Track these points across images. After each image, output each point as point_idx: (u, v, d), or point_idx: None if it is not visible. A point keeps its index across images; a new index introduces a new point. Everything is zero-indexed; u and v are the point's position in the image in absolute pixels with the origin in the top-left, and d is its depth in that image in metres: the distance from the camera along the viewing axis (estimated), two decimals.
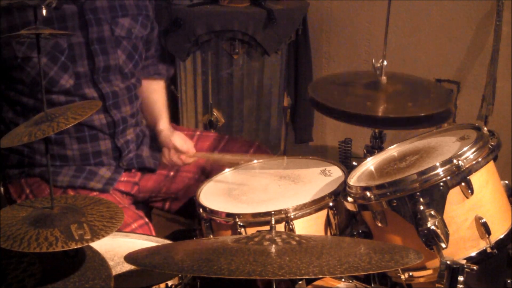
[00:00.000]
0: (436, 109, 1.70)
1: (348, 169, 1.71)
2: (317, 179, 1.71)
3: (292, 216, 1.51)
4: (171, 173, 1.97)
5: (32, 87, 1.71)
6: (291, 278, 1.18)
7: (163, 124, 1.99)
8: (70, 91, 1.73)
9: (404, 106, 1.73)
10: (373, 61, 1.76)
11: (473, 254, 1.40)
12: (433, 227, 1.34)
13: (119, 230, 1.60)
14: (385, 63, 1.75)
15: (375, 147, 1.82)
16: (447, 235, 1.35)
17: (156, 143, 2.00)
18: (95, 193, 1.78)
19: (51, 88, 1.71)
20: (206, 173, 1.97)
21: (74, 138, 1.77)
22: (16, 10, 1.64)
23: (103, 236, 0.99)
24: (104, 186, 1.79)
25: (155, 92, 2.06)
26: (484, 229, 1.38)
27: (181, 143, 1.92)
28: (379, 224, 1.44)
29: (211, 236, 1.59)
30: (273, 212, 1.50)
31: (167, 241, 1.49)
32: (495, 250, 1.40)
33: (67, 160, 1.78)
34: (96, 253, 1.10)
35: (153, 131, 2.01)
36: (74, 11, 1.71)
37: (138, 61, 1.88)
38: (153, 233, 1.71)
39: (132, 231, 1.65)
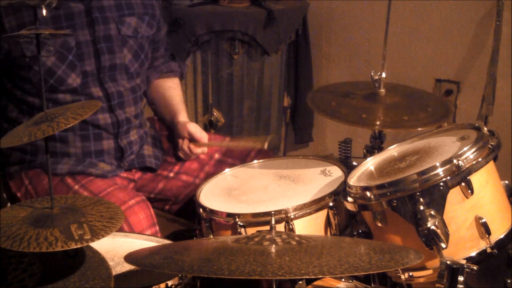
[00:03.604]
0: (432, 123, 1.71)
1: (348, 169, 1.71)
2: (317, 179, 1.71)
3: (292, 216, 1.51)
4: (171, 174, 1.97)
5: (39, 86, 1.71)
6: (291, 278, 1.18)
7: (182, 117, 1.99)
8: (76, 90, 1.74)
9: (401, 119, 1.73)
10: (372, 73, 1.76)
11: (473, 254, 1.40)
12: (433, 227, 1.34)
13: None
14: (383, 75, 1.75)
15: (375, 147, 1.82)
16: (447, 235, 1.35)
17: (159, 143, 2.00)
18: (91, 178, 1.77)
19: (59, 87, 1.71)
20: (206, 174, 1.97)
21: (78, 136, 1.77)
22: (24, 9, 1.65)
23: (103, 236, 0.99)
24: (103, 173, 1.79)
25: (171, 88, 2.06)
26: (484, 229, 1.38)
27: (196, 130, 1.92)
28: (379, 224, 1.44)
29: (211, 236, 1.59)
30: (273, 212, 1.50)
31: (167, 241, 1.49)
32: (495, 250, 1.40)
33: (68, 156, 1.79)
34: (96, 253, 1.10)
35: (171, 126, 2.01)
36: (81, 9, 1.72)
37: (144, 60, 1.88)
38: (152, 211, 1.70)
39: (129, 208, 1.64)
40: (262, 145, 1.86)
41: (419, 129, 1.70)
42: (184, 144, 1.93)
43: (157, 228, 1.69)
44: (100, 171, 1.79)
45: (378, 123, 1.75)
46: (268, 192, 1.68)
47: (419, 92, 2.01)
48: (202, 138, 1.92)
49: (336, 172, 1.73)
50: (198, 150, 1.93)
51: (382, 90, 1.77)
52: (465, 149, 1.40)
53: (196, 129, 1.92)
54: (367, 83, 1.85)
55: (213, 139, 2.05)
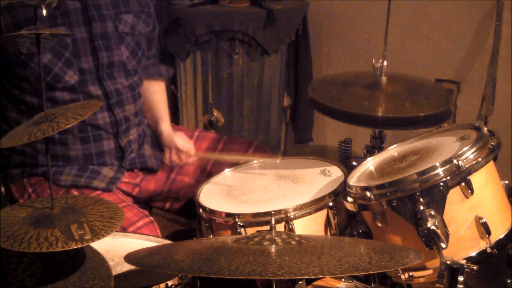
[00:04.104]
0: (434, 109, 1.71)
1: (348, 169, 1.71)
2: (317, 179, 1.71)
3: (292, 216, 1.51)
4: (172, 175, 1.98)
5: (36, 84, 1.71)
6: (291, 278, 1.18)
7: (165, 125, 2.00)
8: (74, 88, 1.74)
9: (403, 106, 1.73)
10: (373, 61, 1.76)
11: (473, 254, 1.40)
12: (433, 227, 1.34)
13: (125, 229, 1.61)
14: (385, 63, 1.74)
15: (375, 147, 1.82)
16: (447, 235, 1.35)
17: (157, 143, 2.01)
18: (98, 192, 1.78)
19: (56, 84, 1.71)
20: (207, 174, 1.97)
21: (77, 138, 1.77)
22: (20, 7, 1.65)
23: (103, 236, 0.99)
24: (107, 185, 1.80)
25: (157, 93, 2.07)
26: (484, 229, 1.38)
27: (183, 143, 1.94)
28: (379, 224, 1.44)
29: (211, 236, 1.59)
30: (273, 212, 1.50)
31: (167, 241, 1.49)
32: (495, 250, 1.40)
33: (70, 160, 1.79)
34: (96, 253, 1.10)
35: (154, 131, 2.02)
36: (78, 7, 1.72)
37: (141, 58, 1.89)
38: (159, 232, 1.71)
39: (138, 229, 1.65)
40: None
41: (420, 129, 1.70)
42: (173, 155, 1.94)
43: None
44: (104, 184, 1.79)
45: (380, 109, 1.74)
46: (268, 192, 1.68)
47: (419, 80, 2.01)
48: (190, 150, 1.94)
49: (336, 172, 1.73)
50: (188, 160, 1.94)
51: (384, 78, 1.76)
52: (465, 149, 1.40)
53: (182, 142, 1.94)
54: (367, 72, 1.85)
55: (211, 141, 2.05)
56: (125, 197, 1.86)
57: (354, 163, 1.71)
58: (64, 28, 1.70)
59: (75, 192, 1.76)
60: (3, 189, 1.92)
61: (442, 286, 1.28)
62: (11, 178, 1.83)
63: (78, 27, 1.72)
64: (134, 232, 1.62)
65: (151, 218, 1.73)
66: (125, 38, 1.81)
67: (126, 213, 1.69)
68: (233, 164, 1.89)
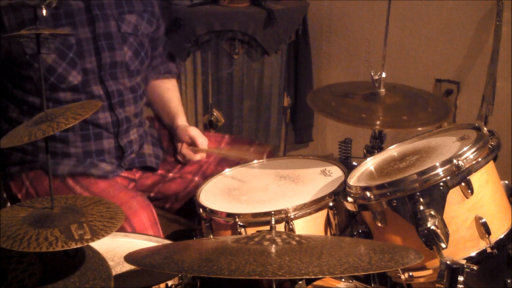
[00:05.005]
0: (432, 123, 1.71)
1: (348, 169, 1.71)
2: (317, 179, 1.71)
3: (292, 216, 1.51)
4: (170, 175, 1.98)
5: (40, 84, 1.72)
6: (291, 278, 1.18)
7: (182, 120, 2.01)
8: (77, 88, 1.74)
9: (400, 120, 1.73)
10: (372, 73, 1.76)
11: (473, 254, 1.40)
12: (433, 227, 1.34)
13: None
14: (383, 75, 1.74)
15: (375, 147, 1.82)
16: (447, 235, 1.35)
17: (159, 142, 2.01)
18: (92, 179, 1.77)
19: (59, 85, 1.72)
20: (206, 175, 1.97)
21: (78, 136, 1.78)
22: (22, 7, 1.66)
23: (103, 236, 0.99)
24: (104, 173, 1.80)
25: (169, 90, 2.07)
26: (484, 229, 1.38)
27: (197, 134, 1.93)
28: (379, 224, 1.44)
29: (211, 236, 1.59)
30: (273, 212, 1.50)
31: (167, 241, 1.49)
32: (495, 250, 1.40)
33: (69, 156, 1.79)
34: (96, 253, 1.10)
35: (169, 128, 2.02)
36: (81, 6, 1.73)
37: (144, 58, 1.89)
38: (153, 210, 1.70)
39: (131, 208, 1.64)
40: (261, 157, 1.86)
41: (419, 129, 1.70)
42: (184, 148, 1.94)
43: (159, 227, 1.70)
44: (101, 172, 1.79)
45: (378, 123, 1.75)
46: (268, 192, 1.68)
47: (419, 92, 2.01)
48: (203, 143, 1.94)
49: (336, 172, 1.73)
50: (197, 156, 1.94)
51: (382, 90, 1.77)
52: (465, 149, 1.40)
53: (197, 134, 1.93)
54: (367, 83, 1.85)
55: (213, 141, 2.05)
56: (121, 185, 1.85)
57: (354, 163, 1.71)
58: (68, 28, 1.70)
59: (70, 181, 1.76)
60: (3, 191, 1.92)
61: (442, 286, 1.28)
62: (10, 176, 1.84)
63: (82, 27, 1.73)
64: (128, 225, 1.62)
65: (145, 197, 1.72)
66: (128, 38, 1.81)
67: (118, 194, 1.70)
68: (234, 164, 1.89)
